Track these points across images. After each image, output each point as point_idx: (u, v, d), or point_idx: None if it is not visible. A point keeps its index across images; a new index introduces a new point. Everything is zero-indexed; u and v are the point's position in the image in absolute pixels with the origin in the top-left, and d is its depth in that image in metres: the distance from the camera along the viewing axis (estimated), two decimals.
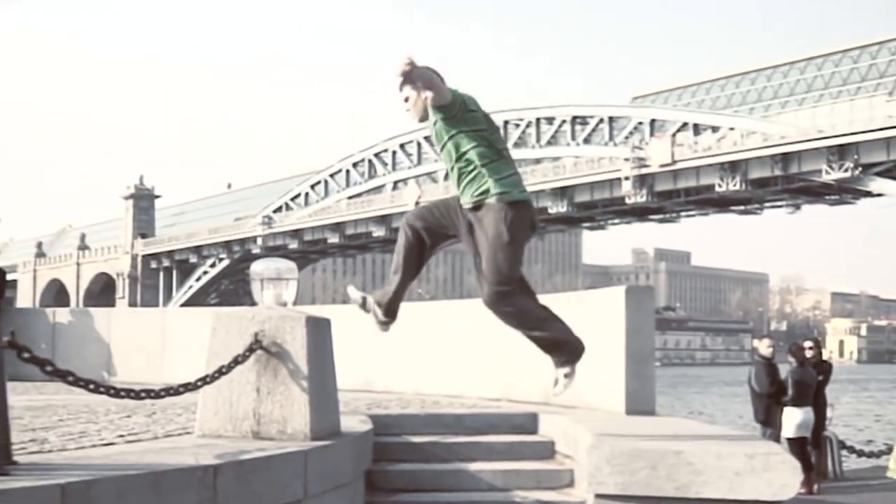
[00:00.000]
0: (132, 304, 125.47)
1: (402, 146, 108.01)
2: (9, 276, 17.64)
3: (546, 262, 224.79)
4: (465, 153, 5.57)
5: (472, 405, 8.93)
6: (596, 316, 8.25)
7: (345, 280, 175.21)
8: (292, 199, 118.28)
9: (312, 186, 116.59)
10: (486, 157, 5.56)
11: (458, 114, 5.50)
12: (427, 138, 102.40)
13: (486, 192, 5.52)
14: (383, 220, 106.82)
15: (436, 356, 10.72)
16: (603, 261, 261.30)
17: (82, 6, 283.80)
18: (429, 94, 5.40)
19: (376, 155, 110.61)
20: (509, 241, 5.49)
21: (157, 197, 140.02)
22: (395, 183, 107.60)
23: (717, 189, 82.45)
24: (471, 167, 5.57)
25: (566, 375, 5.73)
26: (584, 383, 8.48)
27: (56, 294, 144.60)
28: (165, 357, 13.11)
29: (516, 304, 5.64)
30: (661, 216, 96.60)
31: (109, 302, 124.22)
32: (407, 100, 5.65)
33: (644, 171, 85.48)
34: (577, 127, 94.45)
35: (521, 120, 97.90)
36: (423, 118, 5.70)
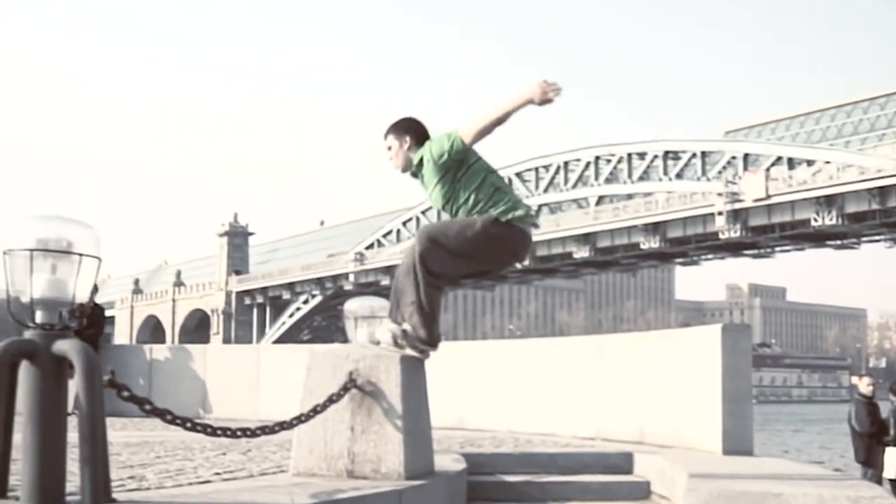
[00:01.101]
0: (226, 340, 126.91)
1: None
2: (107, 313, 17.91)
3: (639, 297, 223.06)
4: (467, 198, 5.59)
5: (565, 444, 8.84)
6: (692, 354, 8.15)
7: None
8: (384, 236, 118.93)
9: (404, 223, 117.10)
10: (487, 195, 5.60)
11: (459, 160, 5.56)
12: (518, 175, 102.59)
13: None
14: None
15: (528, 394, 10.64)
16: (696, 296, 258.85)
17: (172, 49, 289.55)
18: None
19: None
20: (471, 236, 5.47)
21: (251, 234, 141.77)
22: None
23: (813, 224, 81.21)
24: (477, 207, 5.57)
25: (403, 331, 5.51)
26: (680, 422, 8.38)
27: (152, 330, 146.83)
28: (260, 394, 13.19)
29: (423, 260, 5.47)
30: (755, 251, 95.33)
31: (204, 338, 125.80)
32: (389, 149, 5.73)
33: (738, 205, 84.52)
34: (670, 162, 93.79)
35: (613, 155, 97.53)
36: (406, 169, 5.74)
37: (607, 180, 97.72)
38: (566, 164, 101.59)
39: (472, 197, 5.55)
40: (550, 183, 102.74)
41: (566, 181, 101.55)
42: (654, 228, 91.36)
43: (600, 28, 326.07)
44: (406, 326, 5.48)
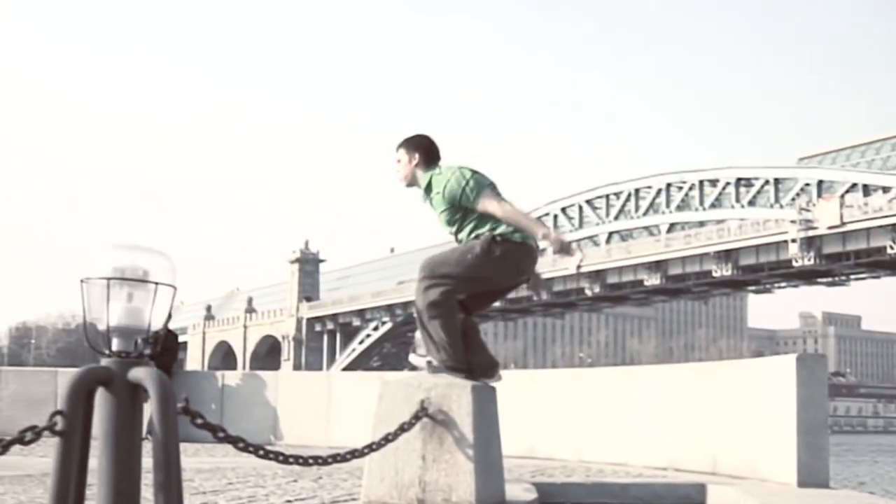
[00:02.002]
0: (297, 366, 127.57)
1: (563, 210, 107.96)
2: (180, 338, 18.10)
3: (710, 326, 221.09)
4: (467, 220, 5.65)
5: (637, 474, 8.76)
6: (766, 384, 8.04)
7: (506, 344, 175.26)
8: None
9: None
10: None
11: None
12: (589, 202, 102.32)
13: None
14: (545, 283, 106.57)
15: (600, 423, 10.57)
16: (769, 325, 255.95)
17: (243, 74, 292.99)
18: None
19: (537, 219, 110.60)
20: (472, 259, 5.53)
21: (322, 261, 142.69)
22: None
23: (889, 251, 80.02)
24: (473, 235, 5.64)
25: (428, 362, 5.57)
26: (754, 453, 8.26)
27: (224, 356, 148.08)
28: (331, 421, 13.23)
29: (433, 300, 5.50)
30: (829, 279, 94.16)
31: (274, 364, 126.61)
32: (398, 161, 5.80)
33: (811, 233, 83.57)
34: (742, 189, 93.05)
35: (685, 182, 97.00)
36: (411, 184, 5.81)
37: (679, 207, 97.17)
38: (637, 191, 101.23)
39: (476, 220, 5.61)
40: (621, 210, 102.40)
41: (637, 208, 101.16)
42: (727, 256, 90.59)
43: (672, 54, 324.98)
44: (431, 359, 5.55)
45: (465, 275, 5.54)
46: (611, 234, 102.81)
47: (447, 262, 5.58)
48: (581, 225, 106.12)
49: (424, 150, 5.79)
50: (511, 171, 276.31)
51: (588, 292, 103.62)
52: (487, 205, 5.54)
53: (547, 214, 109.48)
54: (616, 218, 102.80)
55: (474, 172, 5.65)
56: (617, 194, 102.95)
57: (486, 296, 5.85)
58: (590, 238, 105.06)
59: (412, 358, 5.67)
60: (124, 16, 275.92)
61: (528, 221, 5.64)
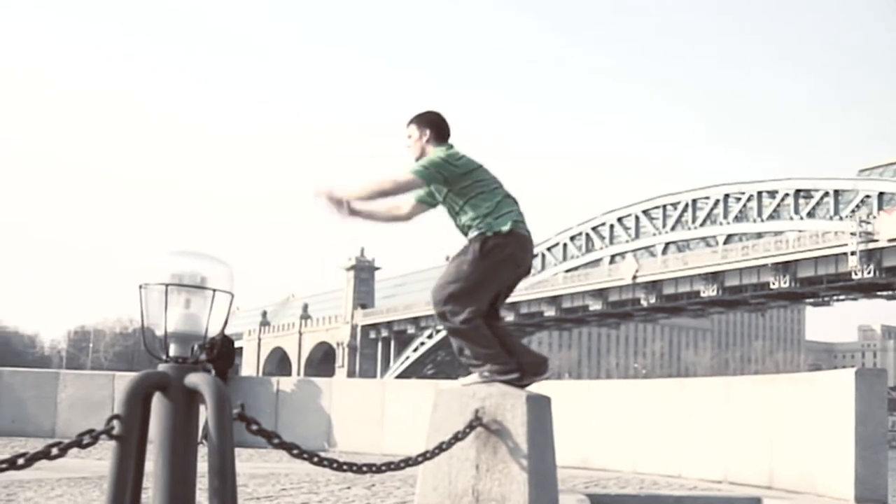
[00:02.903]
0: (351, 373, 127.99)
1: (619, 220, 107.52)
2: (235, 344, 18.21)
3: (767, 338, 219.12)
4: (458, 212, 5.64)
5: (692, 486, 8.70)
6: (824, 398, 7.96)
7: (560, 353, 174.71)
8: None
9: None
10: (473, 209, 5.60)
11: (441, 181, 5.56)
12: (645, 212, 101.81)
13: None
14: (600, 293, 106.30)
15: (654, 434, 10.50)
16: (827, 338, 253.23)
17: (293, 81, 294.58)
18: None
19: (594, 228, 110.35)
20: (468, 267, 5.51)
21: (378, 269, 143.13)
22: (613, 257, 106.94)
23: None
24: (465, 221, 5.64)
25: (481, 375, 5.49)
26: (811, 467, 8.17)
27: (279, 362, 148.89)
28: (384, 428, 13.26)
29: (461, 319, 5.49)
30: (889, 292, 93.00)
31: (329, 370, 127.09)
32: (409, 137, 5.77)
33: (872, 245, 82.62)
34: (801, 200, 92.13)
35: (743, 193, 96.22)
36: (419, 159, 5.73)
37: (736, 218, 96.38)
38: (694, 201, 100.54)
39: (460, 209, 5.62)
40: (678, 221, 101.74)
41: (694, 219, 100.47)
42: (785, 268, 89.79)
43: (729, 65, 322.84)
44: (484, 371, 5.50)
45: (470, 287, 5.50)
46: (667, 244, 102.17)
47: (450, 281, 5.56)
48: (637, 235, 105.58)
49: (435, 126, 5.74)
50: (565, 180, 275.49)
51: (644, 303, 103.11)
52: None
53: (603, 224, 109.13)
54: (673, 228, 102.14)
55: (449, 153, 5.61)
56: (674, 205, 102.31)
57: (495, 297, 5.74)
58: (646, 248, 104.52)
59: (462, 381, 5.63)
60: (177, 27, 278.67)
61: (366, 186, 5.57)
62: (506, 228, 5.53)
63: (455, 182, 5.57)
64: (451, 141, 5.75)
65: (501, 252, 5.53)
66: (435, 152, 5.61)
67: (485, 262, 5.50)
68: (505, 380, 5.47)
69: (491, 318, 5.63)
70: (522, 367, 5.55)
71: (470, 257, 5.52)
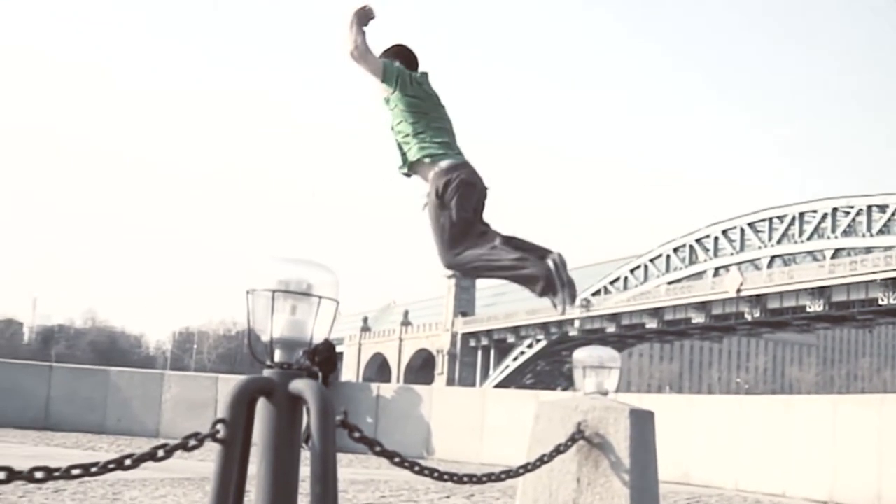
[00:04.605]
0: (450, 381, 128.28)
1: (724, 232, 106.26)
2: (336, 349, 18.35)
3: (875, 355, 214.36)
4: (397, 124, 5.69)
5: None
6: None
7: (661, 366, 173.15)
8: (611, 283, 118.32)
9: (632, 270, 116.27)
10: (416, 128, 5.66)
11: (393, 81, 5.65)
12: (751, 225, 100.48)
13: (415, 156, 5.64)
14: (703, 306, 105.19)
15: (757, 451, 10.34)
16: None
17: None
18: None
19: (698, 240, 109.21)
20: (445, 221, 5.56)
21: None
22: (716, 269, 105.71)
23: None
24: (404, 137, 5.67)
25: (556, 305, 5.50)
26: None
27: (378, 368, 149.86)
28: (484, 437, 13.25)
29: (468, 261, 5.63)
30: None
31: (428, 378, 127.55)
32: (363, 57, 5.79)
33: None
34: None
35: (851, 207, 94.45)
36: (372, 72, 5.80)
37: (845, 233, 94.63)
38: (801, 215, 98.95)
39: (413, 144, 5.67)
40: (784, 234, 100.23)
41: (801, 233, 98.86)
42: (894, 284, 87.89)
43: (827, 74, 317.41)
44: (557, 299, 5.55)
45: (457, 234, 5.59)
46: (773, 258, 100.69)
47: (442, 245, 5.66)
48: (742, 248, 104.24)
49: (404, 58, 5.83)
50: (670, 192, 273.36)
51: (748, 317, 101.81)
52: None
53: (707, 236, 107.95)
54: (779, 242, 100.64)
55: (415, 73, 5.75)
56: (780, 218, 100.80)
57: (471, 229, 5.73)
58: (751, 262, 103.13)
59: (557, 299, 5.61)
60: (300, 32, 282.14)
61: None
62: (442, 160, 5.61)
63: (405, 97, 5.66)
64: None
65: (459, 187, 5.59)
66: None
67: (452, 204, 5.56)
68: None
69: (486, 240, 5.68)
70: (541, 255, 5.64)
71: (438, 209, 5.60)
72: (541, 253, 5.69)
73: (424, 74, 5.81)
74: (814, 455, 9.48)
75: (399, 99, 5.67)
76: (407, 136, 5.67)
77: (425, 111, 5.73)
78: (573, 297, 5.55)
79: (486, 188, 5.79)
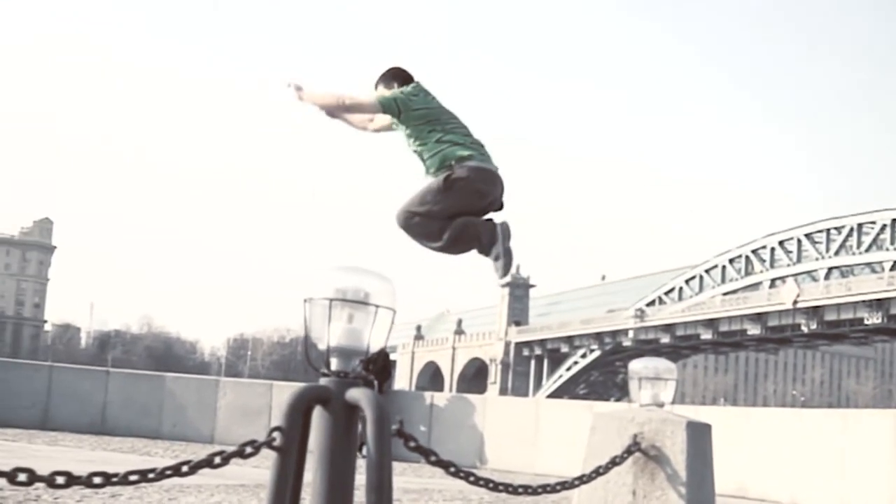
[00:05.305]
0: (503, 390, 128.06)
1: (781, 243, 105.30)
2: (390, 357, 18.37)
3: None
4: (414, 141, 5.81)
5: None
6: None
7: (716, 377, 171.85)
8: (666, 294, 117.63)
9: (687, 281, 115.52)
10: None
11: (396, 112, 5.76)
12: (808, 236, 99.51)
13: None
14: (759, 317, 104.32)
15: (814, 465, 10.22)
16: None
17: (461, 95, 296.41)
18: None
19: (754, 251, 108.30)
20: (431, 198, 5.67)
21: (533, 286, 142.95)
22: (773, 280, 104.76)
23: None
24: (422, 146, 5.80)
25: (495, 259, 5.63)
26: None
27: (431, 376, 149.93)
28: (537, 448, 13.20)
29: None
30: None
31: (481, 387, 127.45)
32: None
33: None
34: None
35: None
36: (384, 130, 6.06)
37: None
38: (860, 226, 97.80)
39: (426, 150, 5.78)
40: (842, 245, 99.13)
41: (859, 244, 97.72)
42: None
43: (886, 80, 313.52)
44: (493, 254, 5.68)
45: (426, 212, 5.67)
46: (830, 269, 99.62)
47: (411, 203, 5.74)
48: (799, 259, 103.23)
49: (402, 79, 5.95)
50: (725, 202, 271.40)
51: (804, 329, 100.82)
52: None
53: (763, 247, 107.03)
54: (836, 253, 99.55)
55: (409, 88, 5.83)
56: (838, 229, 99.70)
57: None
58: (808, 273, 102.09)
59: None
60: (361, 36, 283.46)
61: (333, 94, 5.82)
62: (469, 161, 5.66)
63: (409, 118, 5.75)
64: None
65: (467, 185, 5.65)
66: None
67: (449, 195, 5.63)
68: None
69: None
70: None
71: (435, 188, 5.67)
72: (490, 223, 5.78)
73: (418, 84, 5.91)
74: (874, 470, 9.36)
75: (407, 119, 5.77)
76: (424, 144, 5.77)
77: (436, 117, 5.81)
78: (508, 266, 5.66)
79: (498, 203, 5.88)
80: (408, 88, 5.81)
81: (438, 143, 5.72)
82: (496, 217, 5.79)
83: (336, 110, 5.89)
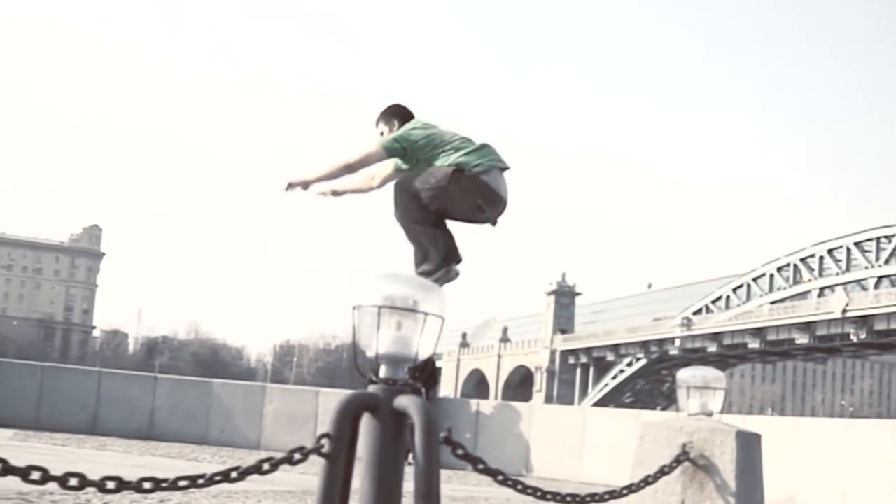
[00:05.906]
0: (548, 398, 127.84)
1: (829, 252, 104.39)
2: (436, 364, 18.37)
3: None
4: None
5: None
6: None
7: (763, 387, 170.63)
8: (713, 302, 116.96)
9: (734, 290, 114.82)
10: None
11: (402, 154, 5.86)
12: (857, 244, 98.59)
13: None
14: (807, 327, 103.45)
15: (864, 476, 10.12)
16: None
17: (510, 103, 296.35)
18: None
19: (802, 260, 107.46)
20: (434, 182, 5.72)
21: (578, 294, 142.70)
22: (821, 290, 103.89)
23: None
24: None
25: (429, 273, 5.72)
26: None
27: (476, 384, 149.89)
28: (584, 457, 13.14)
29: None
30: None
31: (526, 394, 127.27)
32: (382, 134, 6.09)
33: None
34: None
35: None
36: (390, 179, 6.13)
37: None
38: None
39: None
40: (892, 254, 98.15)
41: None
42: None
43: None
44: (422, 268, 5.79)
45: (426, 195, 5.71)
46: (880, 278, 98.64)
47: (413, 181, 5.79)
48: (848, 268, 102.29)
49: (400, 115, 6.06)
50: (774, 210, 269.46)
51: (853, 338, 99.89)
52: None
53: (812, 256, 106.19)
54: (887, 262, 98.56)
55: (409, 126, 5.93)
56: (889, 237, 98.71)
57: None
58: (857, 282, 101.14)
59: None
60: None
61: (335, 163, 5.90)
62: (483, 175, 5.73)
63: (415, 150, 5.81)
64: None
65: (472, 191, 5.73)
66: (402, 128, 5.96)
67: (450, 189, 5.70)
68: (439, 276, 5.79)
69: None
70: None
71: (440, 176, 5.72)
72: (454, 256, 5.89)
73: (415, 119, 6.03)
74: None
75: (413, 151, 5.84)
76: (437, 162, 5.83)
77: (440, 138, 5.89)
78: (438, 280, 5.79)
79: (493, 222, 5.98)
80: (407, 125, 5.91)
81: (451, 155, 5.79)
82: (456, 267, 5.90)
83: (345, 173, 5.93)
